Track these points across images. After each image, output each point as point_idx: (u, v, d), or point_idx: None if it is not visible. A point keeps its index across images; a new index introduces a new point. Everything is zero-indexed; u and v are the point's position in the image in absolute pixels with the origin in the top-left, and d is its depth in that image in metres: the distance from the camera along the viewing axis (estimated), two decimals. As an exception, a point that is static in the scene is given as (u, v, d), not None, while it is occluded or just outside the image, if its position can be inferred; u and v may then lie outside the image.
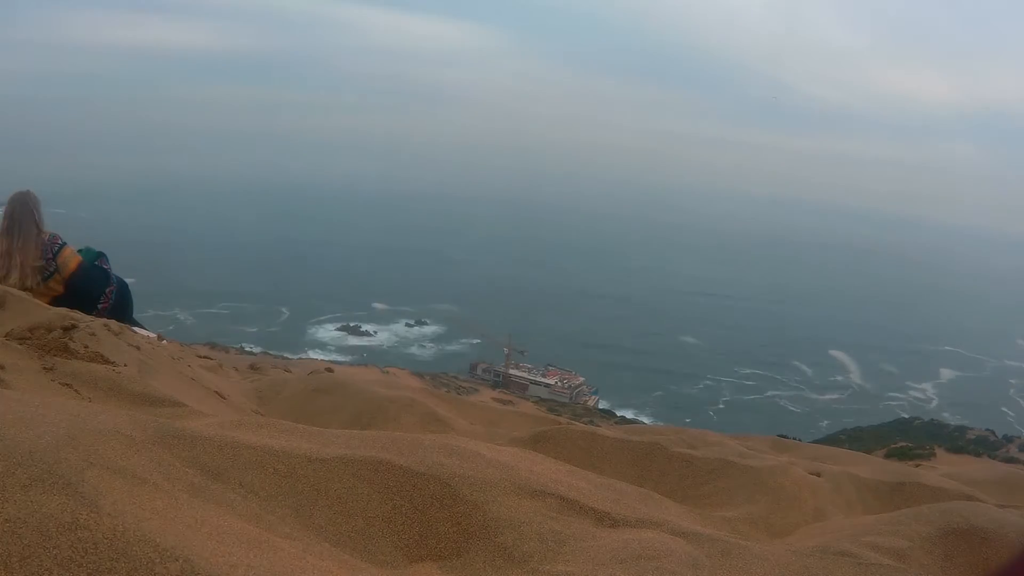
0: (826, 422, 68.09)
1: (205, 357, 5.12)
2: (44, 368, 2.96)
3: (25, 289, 4.72)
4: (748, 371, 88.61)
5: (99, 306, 5.11)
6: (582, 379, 73.09)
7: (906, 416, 48.83)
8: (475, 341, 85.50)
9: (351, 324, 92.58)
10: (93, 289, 5.18)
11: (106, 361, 3.31)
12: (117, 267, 5.44)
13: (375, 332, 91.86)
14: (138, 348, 3.73)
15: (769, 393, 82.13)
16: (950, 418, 54.22)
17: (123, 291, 5.39)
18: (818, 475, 4.13)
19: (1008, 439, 28.46)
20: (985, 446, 25.25)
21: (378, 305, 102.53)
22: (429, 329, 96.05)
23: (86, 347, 3.38)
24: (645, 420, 52.71)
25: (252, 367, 7.65)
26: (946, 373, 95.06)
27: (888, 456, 16.14)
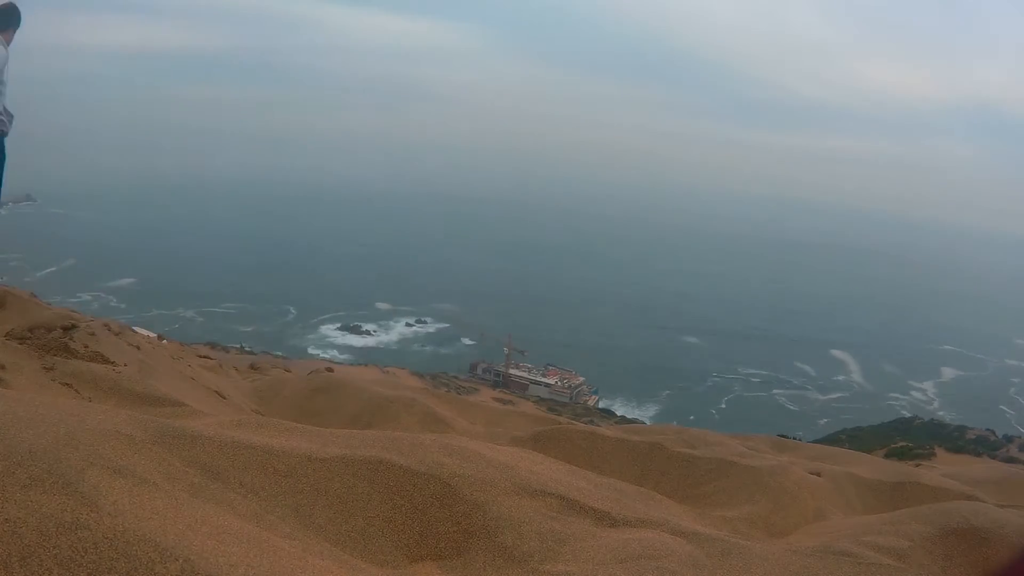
0: (825, 420, 68.11)
1: (205, 357, 5.12)
2: (44, 368, 2.96)
3: None
4: (750, 371, 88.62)
5: None
6: (582, 379, 73.09)
7: (907, 415, 48.83)
8: (474, 341, 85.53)
9: (352, 323, 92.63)
10: None
11: (106, 361, 3.31)
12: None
13: (376, 331, 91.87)
14: (138, 348, 3.73)
15: (772, 392, 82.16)
16: (950, 417, 54.20)
17: None
18: (818, 475, 4.12)
19: (1008, 439, 28.50)
20: (985, 446, 25.29)
21: (381, 305, 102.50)
22: (430, 329, 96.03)
23: (86, 347, 3.38)
24: (646, 420, 52.71)
25: (252, 367, 7.65)
26: (947, 372, 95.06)
27: (888, 456, 16.16)
